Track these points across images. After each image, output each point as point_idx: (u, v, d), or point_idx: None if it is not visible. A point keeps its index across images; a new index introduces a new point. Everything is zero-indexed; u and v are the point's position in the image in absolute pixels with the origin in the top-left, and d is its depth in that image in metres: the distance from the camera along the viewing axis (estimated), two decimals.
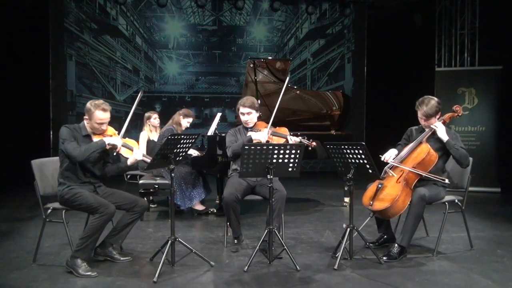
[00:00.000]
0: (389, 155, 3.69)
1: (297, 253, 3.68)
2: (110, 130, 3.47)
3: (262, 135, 3.81)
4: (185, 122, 5.25)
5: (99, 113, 3.31)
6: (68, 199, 3.29)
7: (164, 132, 5.10)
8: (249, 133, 3.88)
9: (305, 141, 3.85)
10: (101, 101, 3.37)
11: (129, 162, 3.44)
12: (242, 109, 4.00)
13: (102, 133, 3.42)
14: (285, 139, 3.93)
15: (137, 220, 3.53)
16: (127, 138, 3.51)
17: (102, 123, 3.35)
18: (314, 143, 3.88)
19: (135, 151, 3.41)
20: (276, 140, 3.94)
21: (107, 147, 3.31)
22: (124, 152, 3.40)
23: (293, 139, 3.87)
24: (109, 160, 3.55)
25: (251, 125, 4.04)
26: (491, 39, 7.54)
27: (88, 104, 3.34)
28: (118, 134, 3.47)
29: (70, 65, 8.95)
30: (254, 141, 3.74)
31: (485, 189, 6.93)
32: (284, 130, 4.05)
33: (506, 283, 3.07)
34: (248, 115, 3.99)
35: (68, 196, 3.28)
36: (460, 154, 3.54)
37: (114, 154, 3.40)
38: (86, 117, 3.37)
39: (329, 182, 8.05)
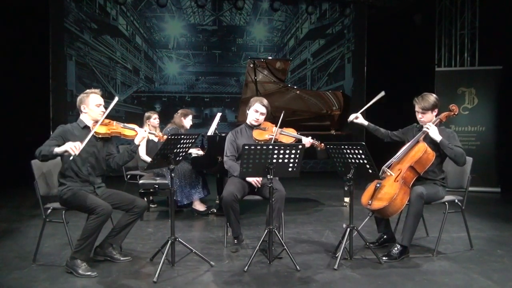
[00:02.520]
0: (352, 116, 4.11)
1: (297, 253, 3.68)
2: (107, 120, 3.44)
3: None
4: (188, 122, 5.29)
5: (93, 96, 3.40)
6: (67, 199, 3.29)
7: (171, 130, 5.10)
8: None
9: (315, 142, 4.00)
10: (89, 90, 3.47)
11: (136, 141, 3.43)
12: (259, 107, 3.95)
13: (102, 123, 3.38)
14: (294, 139, 3.99)
15: (136, 221, 3.52)
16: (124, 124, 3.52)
17: (99, 105, 3.40)
18: (322, 145, 3.95)
19: (138, 130, 3.44)
20: (285, 139, 3.97)
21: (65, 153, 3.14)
22: (127, 132, 3.43)
23: (304, 139, 3.98)
24: (113, 151, 3.53)
25: (257, 124, 4.04)
26: (491, 39, 7.54)
27: (79, 97, 3.43)
28: (114, 120, 3.46)
29: (70, 65, 8.95)
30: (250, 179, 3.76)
31: (485, 189, 6.93)
32: (292, 131, 4.09)
33: (506, 283, 3.07)
34: (262, 115, 3.98)
35: (67, 197, 3.28)
36: (454, 153, 3.52)
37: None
38: (83, 107, 3.40)
39: (329, 182, 8.05)
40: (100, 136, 3.39)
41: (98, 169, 3.44)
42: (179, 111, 5.35)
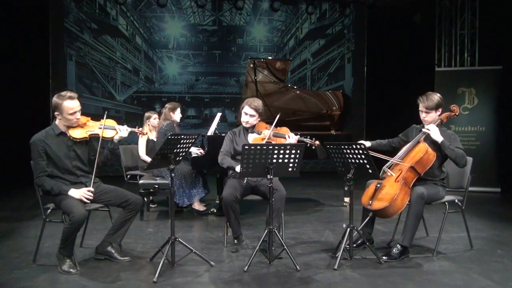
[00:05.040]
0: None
1: (297, 253, 3.68)
2: (84, 118, 3.38)
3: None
4: (177, 116, 5.23)
5: (67, 102, 3.21)
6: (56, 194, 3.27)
7: (167, 126, 5.07)
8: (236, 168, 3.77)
9: (308, 140, 3.89)
10: (66, 91, 3.29)
11: (115, 139, 3.42)
12: (247, 109, 3.93)
13: (78, 125, 3.33)
14: (284, 139, 3.93)
15: (133, 218, 3.50)
16: (102, 120, 3.41)
17: (74, 113, 3.25)
18: (317, 142, 3.90)
19: (118, 128, 3.39)
20: (278, 141, 3.95)
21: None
22: (108, 133, 3.37)
23: (291, 136, 3.89)
24: (95, 149, 3.41)
25: (248, 126, 4.02)
26: (491, 39, 7.53)
27: (54, 98, 3.24)
28: (92, 120, 3.42)
29: (70, 65, 8.95)
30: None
31: (485, 189, 6.93)
32: (285, 130, 4.05)
33: (506, 283, 3.07)
34: (250, 117, 3.94)
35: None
36: (455, 154, 3.51)
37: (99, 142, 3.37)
38: (56, 113, 3.29)
39: (329, 182, 8.05)
40: (78, 140, 3.33)
41: (87, 169, 3.42)
42: (167, 106, 5.25)
